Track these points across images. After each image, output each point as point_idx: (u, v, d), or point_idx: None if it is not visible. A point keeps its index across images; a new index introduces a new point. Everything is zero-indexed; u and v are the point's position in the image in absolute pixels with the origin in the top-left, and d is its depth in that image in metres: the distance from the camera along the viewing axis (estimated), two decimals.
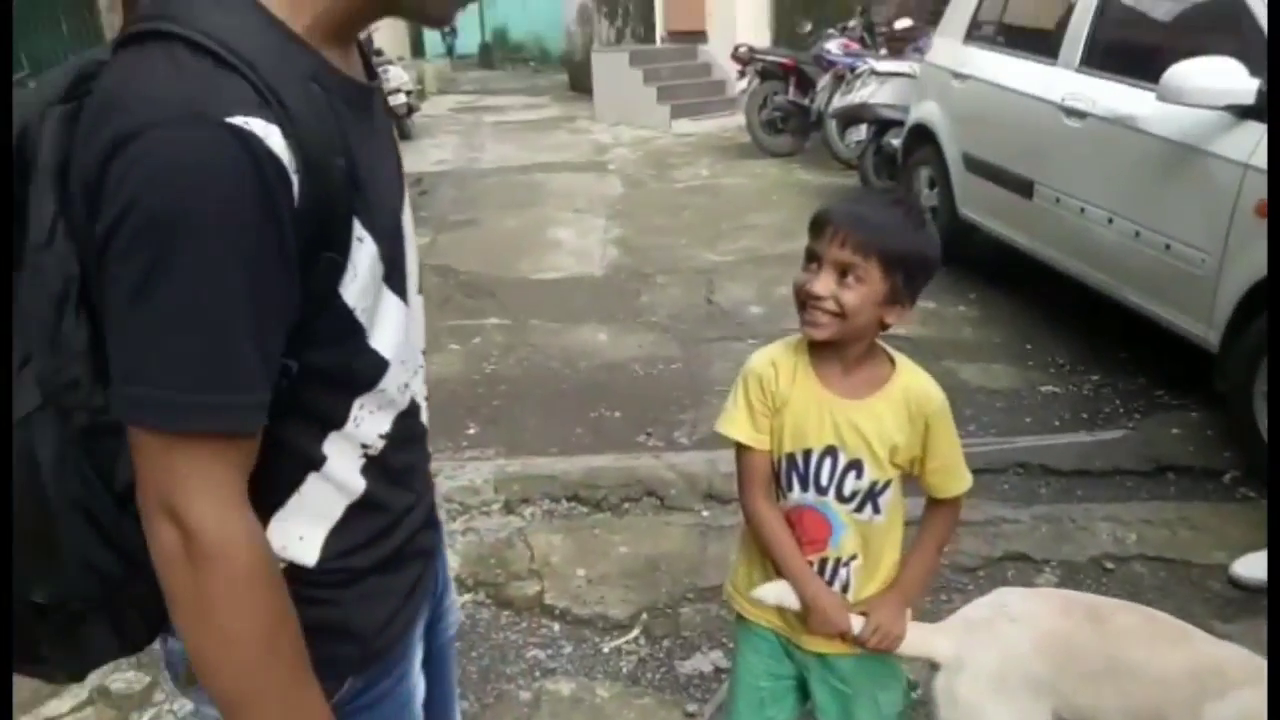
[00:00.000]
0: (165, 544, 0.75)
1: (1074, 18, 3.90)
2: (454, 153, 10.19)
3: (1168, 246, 3.24)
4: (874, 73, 6.39)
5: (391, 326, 0.88)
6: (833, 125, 7.17)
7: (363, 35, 0.92)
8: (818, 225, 1.36)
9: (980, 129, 4.55)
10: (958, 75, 4.72)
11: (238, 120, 0.69)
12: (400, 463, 0.95)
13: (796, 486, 1.44)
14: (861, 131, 6.57)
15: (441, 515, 2.86)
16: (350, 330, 0.83)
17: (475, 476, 3.16)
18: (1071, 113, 3.73)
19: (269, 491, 0.83)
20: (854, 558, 1.47)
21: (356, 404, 0.87)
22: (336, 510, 0.89)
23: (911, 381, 1.42)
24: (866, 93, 6.34)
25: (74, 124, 0.75)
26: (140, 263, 0.69)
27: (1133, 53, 3.57)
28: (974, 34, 4.77)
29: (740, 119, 9.09)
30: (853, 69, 6.85)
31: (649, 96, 10.65)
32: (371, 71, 0.92)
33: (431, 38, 22.67)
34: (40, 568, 0.81)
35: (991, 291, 4.71)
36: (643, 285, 5.19)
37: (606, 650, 2.41)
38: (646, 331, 4.49)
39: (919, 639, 1.54)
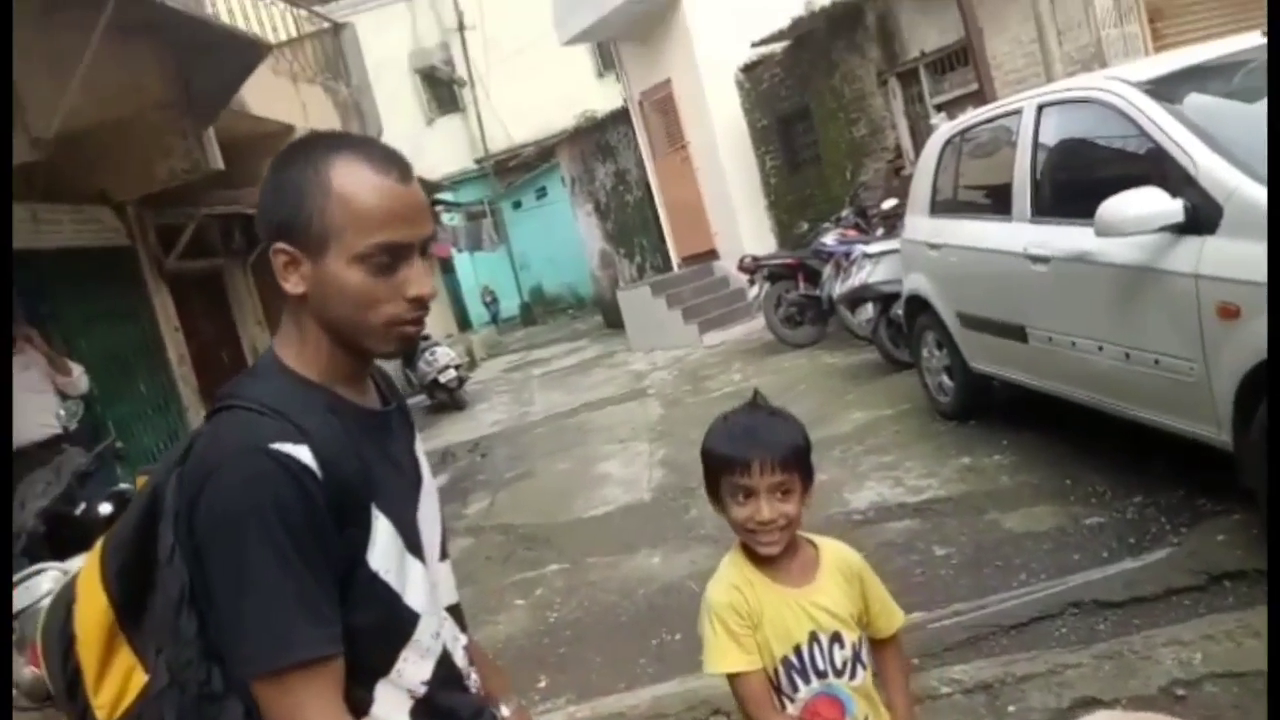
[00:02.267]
0: None
1: (1016, 177, 4.23)
2: (506, 411, 10.75)
3: (1156, 362, 3.35)
4: (866, 255, 6.79)
5: (418, 585, 1.14)
6: (843, 309, 7.51)
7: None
8: (739, 465, 1.50)
9: (965, 289, 4.80)
10: (933, 246, 5.05)
11: (276, 446, 1.01)
12: (444, 702, 1.17)
13: (800, 684, 1.53)
14: (869, 309, 6.88)
15: None
16: (383, 590, 1.09)
17: None
18: (1036, 259, 3.97)
19: None
20: (866, 718, 1.57)
21: (401, 656, 1.12)
22: None
23: (835, 551, 1.61)
24: (864, 275, 6.72)
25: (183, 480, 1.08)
26: (228, 561, 1.00)
27: (1073, 196, 3.83)
28: (937, 208, 5.14)
29: (763, 320, 9.54)
30: (848, 255, 7.27)
31: (676, 319, 11.26)
32: (386, 399, 1.23)
33: (476, 309, 24.38)
34: None
35: (1022, 436, 4.76)
36: (690, 500, 5.34)
37: None
38: (698, 546, 4.60)
39: None
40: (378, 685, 1.10)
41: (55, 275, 6.19)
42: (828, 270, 8.08)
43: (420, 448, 1.29)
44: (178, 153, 6.02)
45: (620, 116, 13.88)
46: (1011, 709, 2.66)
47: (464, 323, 22.80)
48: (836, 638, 1.54)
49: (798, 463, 1.52)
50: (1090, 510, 3.77)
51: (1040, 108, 4.15)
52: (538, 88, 19.48)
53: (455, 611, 1.27)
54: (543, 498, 6.41)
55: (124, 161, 6.09)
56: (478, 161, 22.51)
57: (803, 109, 10.70)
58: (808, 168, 10.94)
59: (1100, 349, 3.67)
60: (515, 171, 21.86)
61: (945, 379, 5.30)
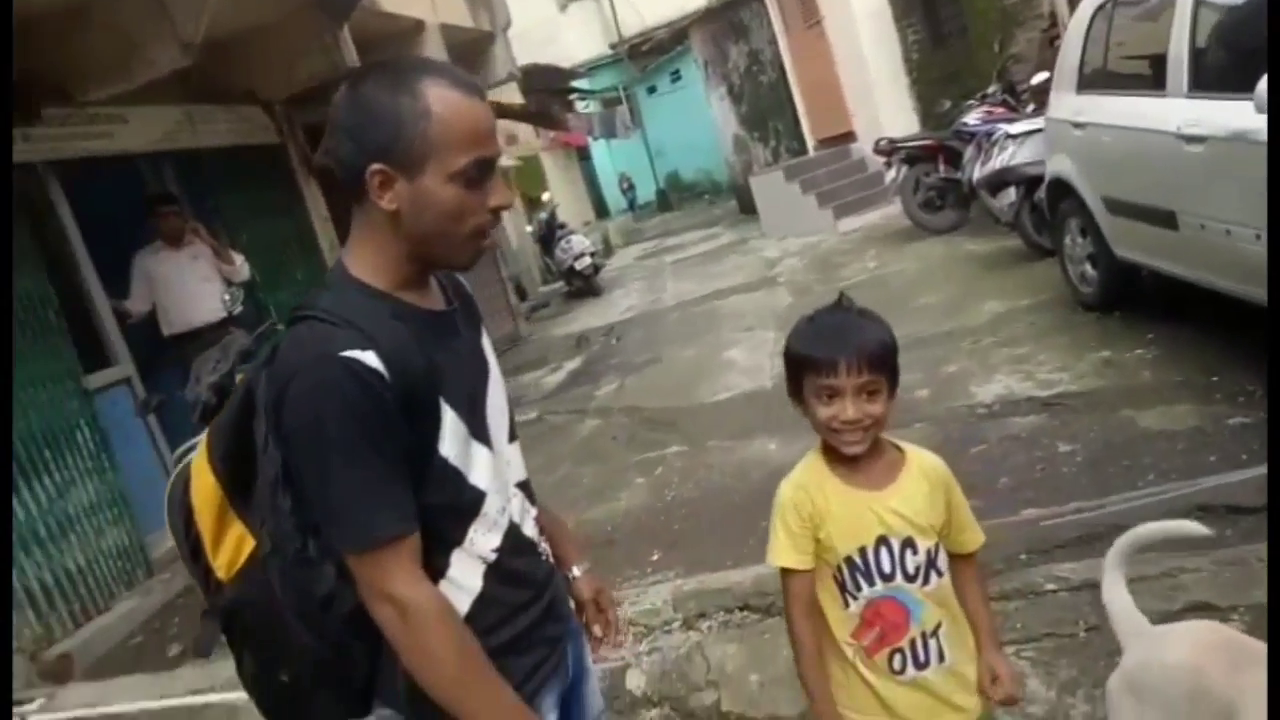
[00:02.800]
0: (387, 618, 1.16)
1: (1172, 47, 3.84)
2: (639, 298, 10.92)
3: None
4: (1009, 136, 6.37)
5: (483, 467, 1.27)
6: (984, 193, 7.12)
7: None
8: (826, 366, 1.49)
9: (1112, 171, 4.47)
10: (1077, 125, 4.69)
11: (347, 353, 1.13)
12: (514, 567, 1.32)
13: (864, 584, 1.54)
14: (1011, 193, 6.50)
15: (628, 637, 3.14)
16: (453, 474, 1.23)
17: (656, 599, 3.40)
18: (1191, 139, 3.64)
19: None
20: (939, 626, 1.56)
21: (471, 529, 1.27)
22: (464, 605, 1.25)
23: (922, 458, 1.58)
24: (1006, 156, 6.33)
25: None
26: (310, 455, 1.14)
27: (1235, 68, 3.45)
28: (1084, 83, 4.74)
29: (901, 205, 9.16)
30: (990, 135, 6.85)
31: (810, 204, 10.98)
32: (450, 299, 1.35)
33: (613, 196, 24.47)
34: (281, 655, 1.26)
35: (1170, 329, 4.48)
36: None
37: None
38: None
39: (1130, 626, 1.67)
40: (453, 553, 1.25)
41: (215, 172, 6.62)
42: (969, 151, 7.61)
43: (487, 341, 1.39)
44: (316, 53, 6.22)
45: None
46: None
47: (601, 210, 23.03)
48: (909, 543, 1.53)
49: (885, 363, 1.50)
50: (1235, 410, 3.55)
51: None
52: None
53: (525, 487, 1.40)
54: (669, 382, 6.56)
55: (267, 63, 6.36)
56: (612, 46, 22.15)
57: None
58: (953, 41, 10.21)
59: (1258, 237, 3.37)
60: (649, 55, 21.42)
61: (1088, 268, 5.00)
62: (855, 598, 1.55)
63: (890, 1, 10.81)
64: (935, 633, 1.56)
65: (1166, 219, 3.97)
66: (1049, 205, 5.33)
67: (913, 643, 1.55)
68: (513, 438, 1.39)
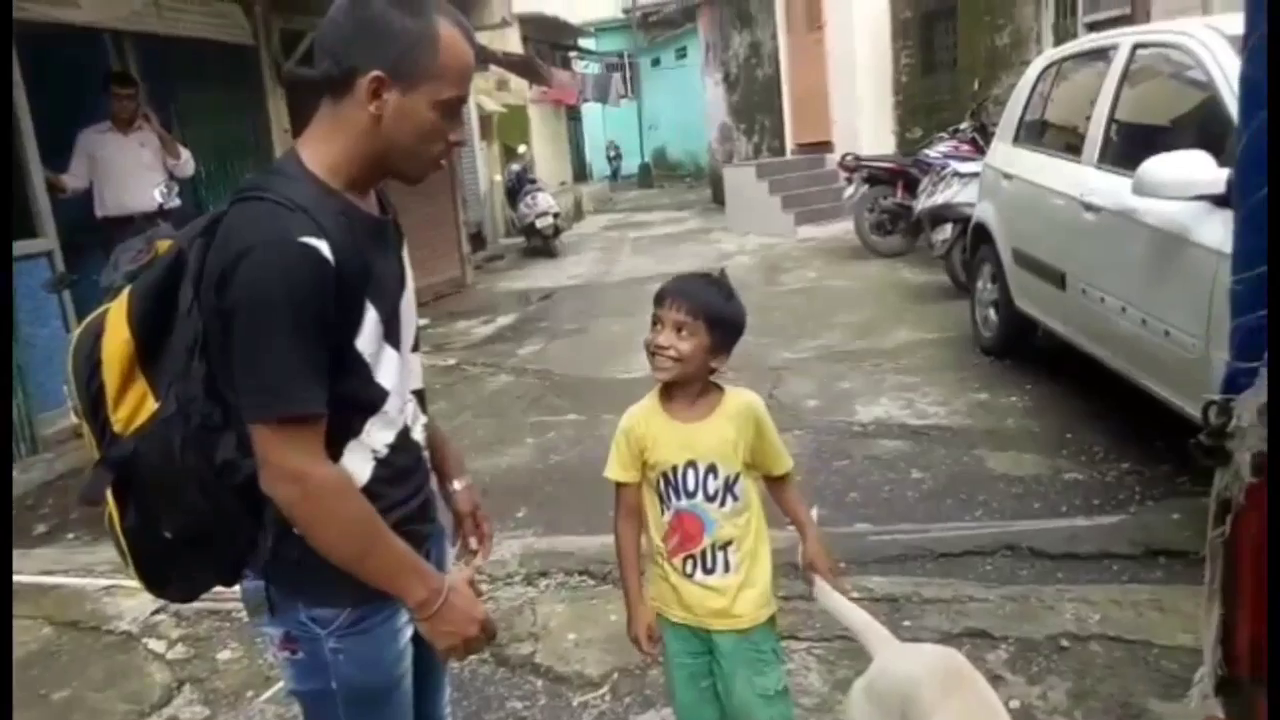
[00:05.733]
0: (289, 496, 1.24)
1: (1093, 118, 4.03)
2: (590, 268, 11.00)
3: (1167, 333, 3.27)
4: (957, 174, 6.58)
5: (390, 368, 1.37)
6: (926, 225, 7.34)
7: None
8: (659, 298, 1.82)
9: (1024, 225, 4.67)
10: (1006, 175, 4.88)
11: (304, 239, 1.20)
12: (399, 464, 1.43)
13: (673, 497, 1.85)
14: (948, 230, 6.71)
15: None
16: (363, 368, 1.32)
17: (506, 552, 3.55)
18: (1089, 207, 3.84)
19: None
20: (729, 543, 1.85)
21: (369, 422, 1.35)
22: None
23: (738, 398, 1.87)
24: (950, 193, 6.53)
25: (207, 248, 1.28)
26: (253, 326, 1.20)
27: (1138, 146, 3.64)
28: (1021, 136, 4.93)
29: None
30: (942, 170, 7.04)
31: (775, 206, 11.13)
32: (384, 209, 1.43)
33: (598, 162, 24.41)
34: (168, 512, 1.34)
35: (1048, 384, 4.71)
36: None
37: (575, 704, 2.68)
38: None
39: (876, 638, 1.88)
40: (349, 443, 1.34)
41: (180, 63, 6.58)
42: (925, 182, 7.82)
43: (406, 255, 1.51)
44: None
45: None
46: (907, 623, 2.81)
47: (582, 174, 22.90)
48: (712, 469, 1.81)
49: (706, 317, 1.77)
50: (1075, 466, 3.78)
51: (1135, 47, 3.90)
52: None
53: (419, 395, 1.51)
54: (587, 353, 6.70)
55: None
56: (624, 11, 22.05)
57: (950, 7, 10.06)
58: (942, 71, 10.38)
59: (1124, 310, 3.58)
60: (658, 27, 21.39)
61: (991, 313, 5.22)
62: (668, 508, 1.86)
63: (892, 19, 10.94)
64: (724, 547, 1.85)
65: (1058, 279, 4.18)
66: (970, 247, 5.54)
67: (704, 552, 1.85)
68: (415, 347, 1.49)
